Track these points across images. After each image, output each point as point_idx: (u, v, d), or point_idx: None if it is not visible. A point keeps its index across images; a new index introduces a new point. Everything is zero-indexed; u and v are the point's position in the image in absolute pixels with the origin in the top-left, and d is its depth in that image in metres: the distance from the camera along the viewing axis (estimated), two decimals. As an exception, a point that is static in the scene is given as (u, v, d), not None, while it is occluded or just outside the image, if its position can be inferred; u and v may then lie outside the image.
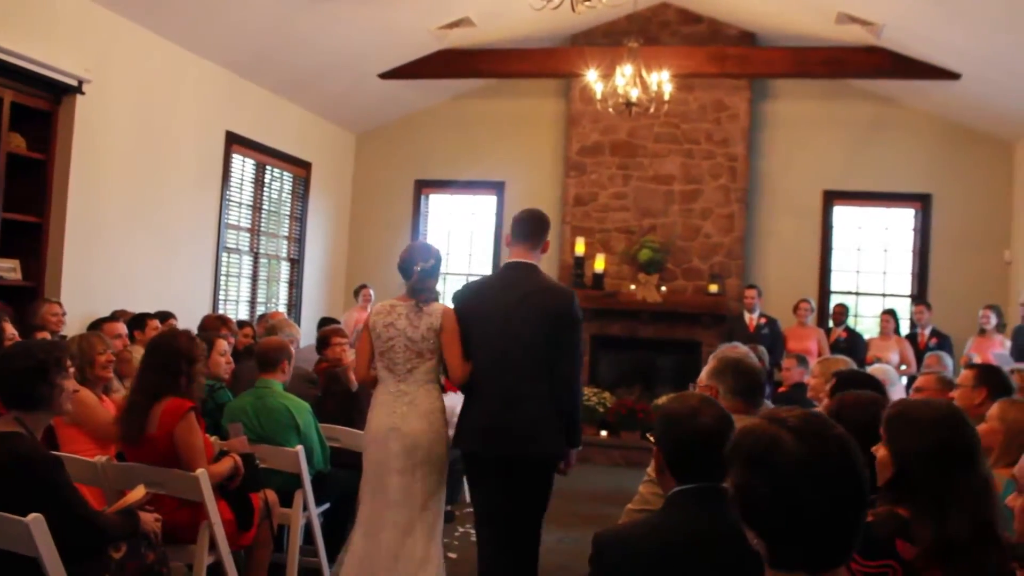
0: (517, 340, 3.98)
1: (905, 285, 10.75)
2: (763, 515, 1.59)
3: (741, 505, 1.63)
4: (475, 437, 4.06)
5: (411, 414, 4.05)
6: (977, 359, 7.88)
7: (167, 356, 4.00)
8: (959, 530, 2.18)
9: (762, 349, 6.88)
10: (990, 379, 4.26)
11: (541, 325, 3.98)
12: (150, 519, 3.50)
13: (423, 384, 4.11)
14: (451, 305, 4.22)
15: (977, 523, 2.18)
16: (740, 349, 4.04)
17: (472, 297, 4.22)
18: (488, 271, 11.45)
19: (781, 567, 1.59)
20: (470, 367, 4.06)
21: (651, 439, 2.51)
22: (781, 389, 7.43)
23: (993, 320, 8.45)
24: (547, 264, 10.50)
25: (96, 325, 5.77)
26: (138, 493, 3.56)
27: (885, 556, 2.21)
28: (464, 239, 12.00)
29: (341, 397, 5.81)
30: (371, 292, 10.01)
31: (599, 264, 10.31)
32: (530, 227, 4.21)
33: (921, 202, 10.52)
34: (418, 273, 4.12)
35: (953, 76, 8.93)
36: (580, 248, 10.39)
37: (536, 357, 3.98)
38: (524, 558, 4.03)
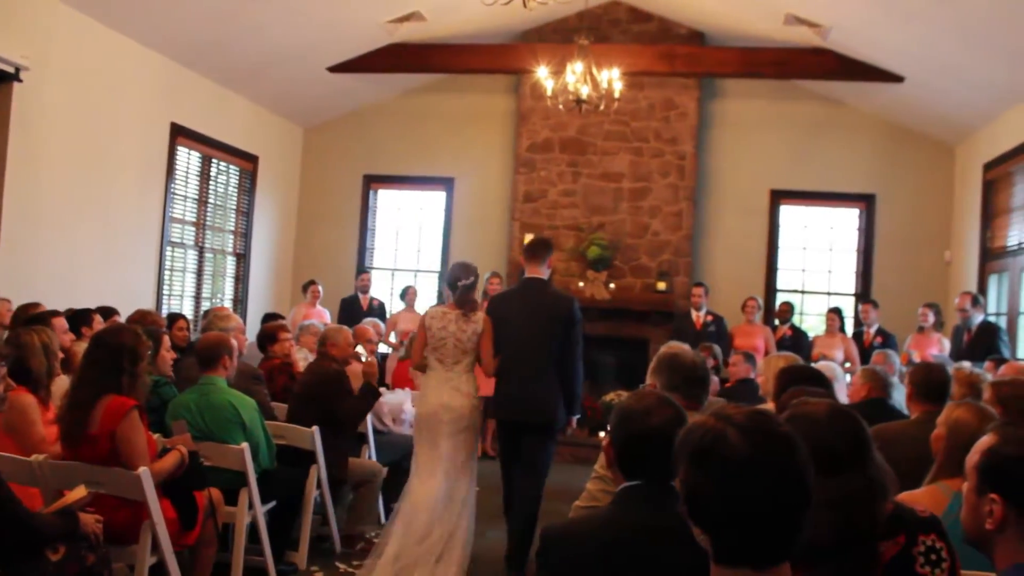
0: (533, 337, 5.38)
1: (849, 284, 10.92)
2: (708, 511, 1.60)
3: (687, 501, 1.64)
4: (504, 408, 5.46)
5: (456, 395, 5.28)
6: (916, 356, 8.02)
7: (111, 352, 3.88)
8: (821, 534, 2.18)
9: (716, 348, 6.94)
10: (914, 377, 4.34)
11: (550, 326, 5.40)
12: (91, 520, 3.40)
13: (464, 373, 5.35)
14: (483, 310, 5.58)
15: (842, 528, 2.19)
16: (676, 346, 4.11)
17: (502, 304, 5.57)
18: (437, 268, 11.50)
19: (726, 563, 1.60)
20: (498, 361, 5.38)
21: (601, 435, 2.52)
22: (728, 384, 7.54)
23: (931, 318, 8.59)
24: (496, 261, 10.54)
25: (39, 319, 5.53)
26: (78, 493, 3.46)
27: None
28: (413, 235, 11.93)
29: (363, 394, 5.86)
30: (319, 288, 9.88)
31: (548, 261, 10.31)
32: (541, 251, 5.64)
33: (865, 202, 10.69)
34: (462, 287, 5.37)
35: (897, 79, 9.08)
36: (529, 245, 10.38)
37: (546, 350, 5.39)
38: (536, 492, 5.41)
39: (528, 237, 10.34)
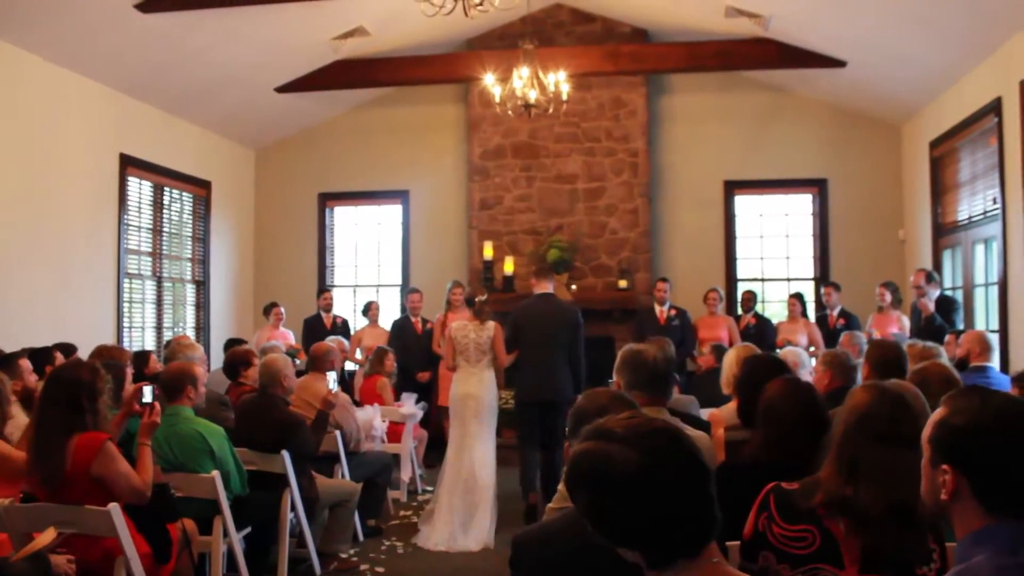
0: (548, 338, 7.07)
1: (808, 269, 11.06)
2: (626, 530, 1.62)
3: (601, 529, 1.65)
4: (528, 392, 7.13)
5: (480, 386, 6.82)
6: (877, 335, 8.13)
7: (69, 390, 3.81)
8: (871, 502, 2.27)
9: (669, 343, 7.09)
10: (870, 356, 4.43)
11: (560, 329, 7.12)
12: (62, 561, 3.37)
13: (485, 369, 6.91)
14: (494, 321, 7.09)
15: (891, 500, 2.27)
16: (638, 345, 4.22)
17: (524, 313, 7.24)
18: (398, 280, 11.55)
19: (660, 566, 1.63)
20: (512, 357, 7.05)
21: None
22: (699, 372, 7.77)
23: (888, 297, 8.72)
24: (456, 270, 10.56)
25: (3, 362, 5.44)
26: (48, 536, 3.42)
27: (805, 521, 2.34)
28: (372, 250, 11.91)
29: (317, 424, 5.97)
30: (282, 310, 9.81)
31: (508, 267, 10.34)
32: (547, 273, 7.55)
33: (818, 187, 10.84)
34: (478, 303, 6.96)
35: (839, 64, 9.21)
36: (488, 252, 10.41)
37: (559, 347, 7.07)
38: (553, 460, 6.96)
39: (487, 244, 10.44)
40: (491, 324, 6.94)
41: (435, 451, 9.32)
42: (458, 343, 6.93)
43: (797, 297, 9.68)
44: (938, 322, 7.34)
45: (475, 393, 6.81)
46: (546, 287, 7.35)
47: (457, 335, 6.95)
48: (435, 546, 6.29)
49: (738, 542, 2.50)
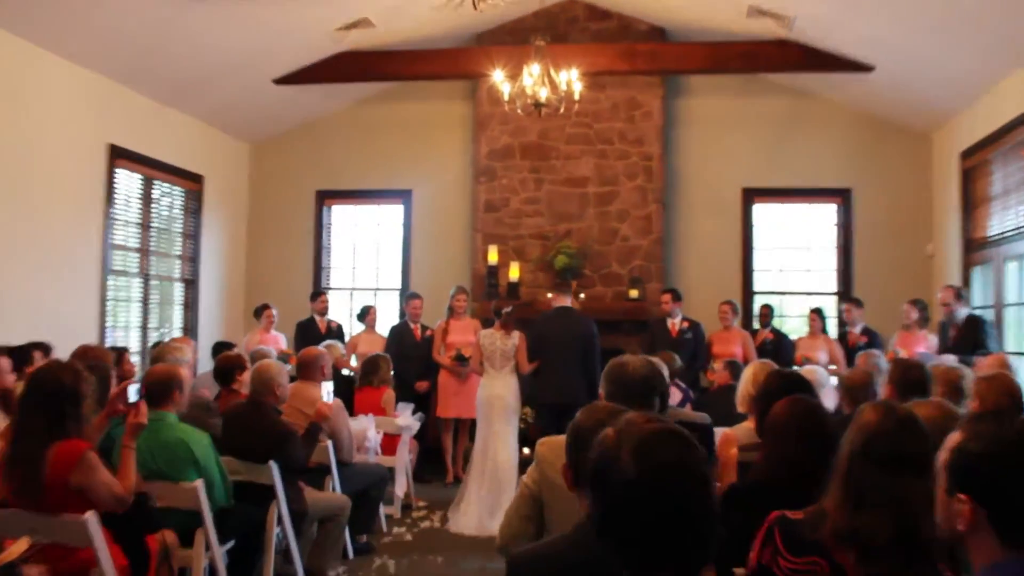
0: (566, 349, 7.92)
1: (830, 282, 10.99)
2: (618, 533, 1.68)
3: (596, 524, 1.73)
4: (547, 395, 7.98)
5: (504, 389, 7.86)
6: (903, 354, 8.10)
7: (50, 396, 3.80)
8: (876, 530, 2.26)
9: (676, 357, 7.34)
10: (892, 375, 4.43)
11: (577, 339, 7.94)
12: (35, 573, 3.37)
13: (509, 374, 7.95)
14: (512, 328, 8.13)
15: (898, 528, 2.26)
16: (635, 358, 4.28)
17: (544, 324, 8.13)
18: (398, 284, 11.55)
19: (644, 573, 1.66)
20: (534, 366, 7.98)
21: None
22: (712, 389, 7.99)
23: (915, 315, 8.67)
24: (459, 275, 10.56)
25: None
26: (20, 546, 3.42)
27: (812, 553, 2.33)
28: (371, 251, 11.92)
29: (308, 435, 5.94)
30: (274, 312, 9.79)
31: (514, 273, 10.30)
32: (566, 288, 8.44)
33: (841, 197, 10.81)
34: (505, 315, 8.01)
35: (866, 68, 9.20)
36: (493, 257, 10.38)
37: (575, 356, 7.89)
38: None
39: (492, 248, 10.42)
40: (516, 333, 8.00)
41: (431, 464, 9.31)
42: (485, 349, 8.00)
43: (817, 312, 9.62)
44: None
45: (501, 395, 7.83)
46: (564, 301, 8.25)
47: (484, 342, 8.03)
48: (465, 530, 7.32)
49: (743, 570, 2.50)
